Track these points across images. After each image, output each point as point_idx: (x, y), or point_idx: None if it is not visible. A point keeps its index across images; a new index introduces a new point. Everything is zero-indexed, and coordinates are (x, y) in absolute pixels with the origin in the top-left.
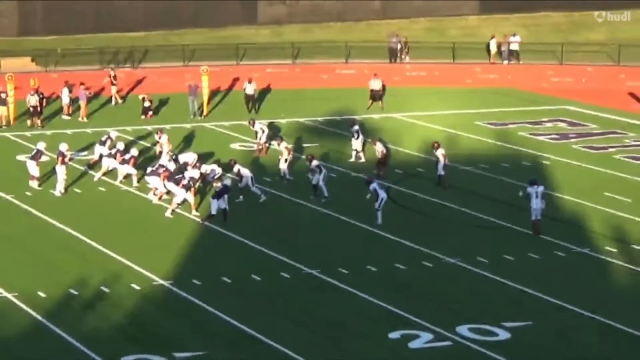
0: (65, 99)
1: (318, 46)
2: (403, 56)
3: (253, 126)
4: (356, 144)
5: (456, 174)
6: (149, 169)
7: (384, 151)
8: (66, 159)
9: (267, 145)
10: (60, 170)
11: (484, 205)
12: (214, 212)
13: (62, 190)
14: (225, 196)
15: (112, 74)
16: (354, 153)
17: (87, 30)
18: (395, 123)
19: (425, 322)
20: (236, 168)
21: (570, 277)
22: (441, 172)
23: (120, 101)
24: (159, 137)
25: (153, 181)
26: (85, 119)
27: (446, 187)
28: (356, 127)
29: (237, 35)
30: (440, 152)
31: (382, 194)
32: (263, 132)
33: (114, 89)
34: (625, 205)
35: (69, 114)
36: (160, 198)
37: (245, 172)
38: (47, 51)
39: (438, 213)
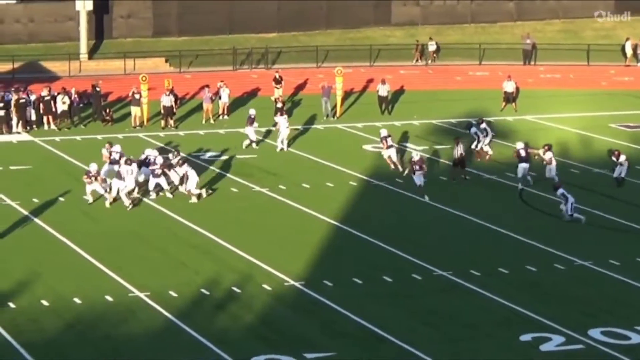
0: (224, 97)
1: (451, 48)
2: (419, 60)
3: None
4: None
5: (589, 176)
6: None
7: (463, 153)
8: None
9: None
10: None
11: (617, 208)
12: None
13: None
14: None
15: (277, 75)
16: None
17: (219, 31)
18: (529, 125)
19: (557, 325)
20: (548, 155)
21: None
22: (550, 174)
23: (280, 104)
24: (108, 149)
25: (156, 180)
26: (212, 121)
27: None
28: (474, 130)
29: (370, 36)
30: (547, 156)
31: (571, 198)
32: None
33: (277, 92)
34: None
35: (227, 114)
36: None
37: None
38: (181, 52)
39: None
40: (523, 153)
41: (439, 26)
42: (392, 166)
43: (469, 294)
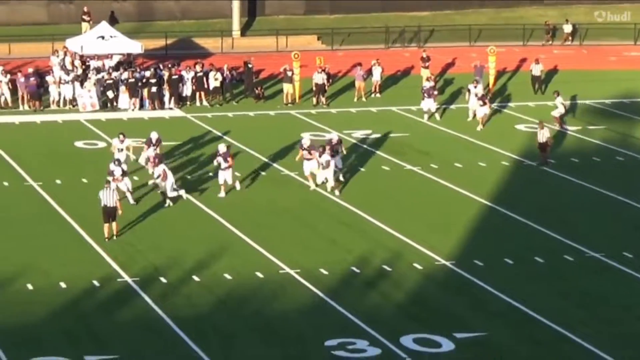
0: (376, 75)
1: (605, 27)
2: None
3: (556, 98)
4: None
5: None
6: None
7: (549, 136)
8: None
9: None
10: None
11: None
12: None
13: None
14: None
15: (425, 54)
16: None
17: (372, 9)
18: None
19: None
20: None
21: None
22: None
23: (432, 83)
24: (121, 140)
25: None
26: (364, 99)
27: None
28: (559, 99)
29: (524, 15)
30: None
31: None
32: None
33: (425, 72)
34: None
35: (379, 92)
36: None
37: None
38: (333, 30)
39: None
40: None
41: (593, 5)
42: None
43: (622, 277)
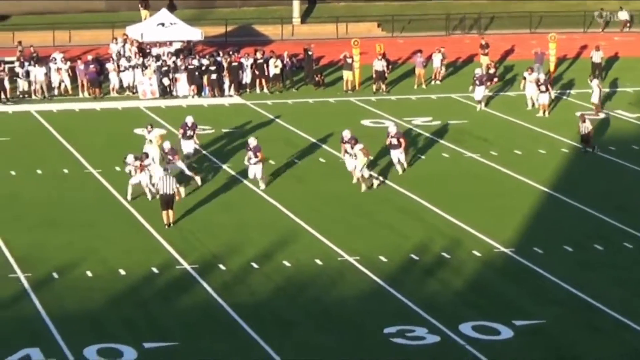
0: (437, 63)
1: None
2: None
3: (591, 81)
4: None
5: None
6: None
7: (590, 128)
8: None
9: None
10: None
11: None
12: None
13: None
14: None
15: (483, 42)
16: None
17: None
18: None
19: None
20: None
21: None
22: None
23: (493, 70)
24: (149, 131)
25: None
26: (424, 86)
27: None
28: (596, 82)
29: (584, 2)
30: None
31: None
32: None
33: (484, 59)
34: None
35: (440, 79)
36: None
37: None
38: (393, 16)
39: None
40: None
41: None
42: None
43: None
